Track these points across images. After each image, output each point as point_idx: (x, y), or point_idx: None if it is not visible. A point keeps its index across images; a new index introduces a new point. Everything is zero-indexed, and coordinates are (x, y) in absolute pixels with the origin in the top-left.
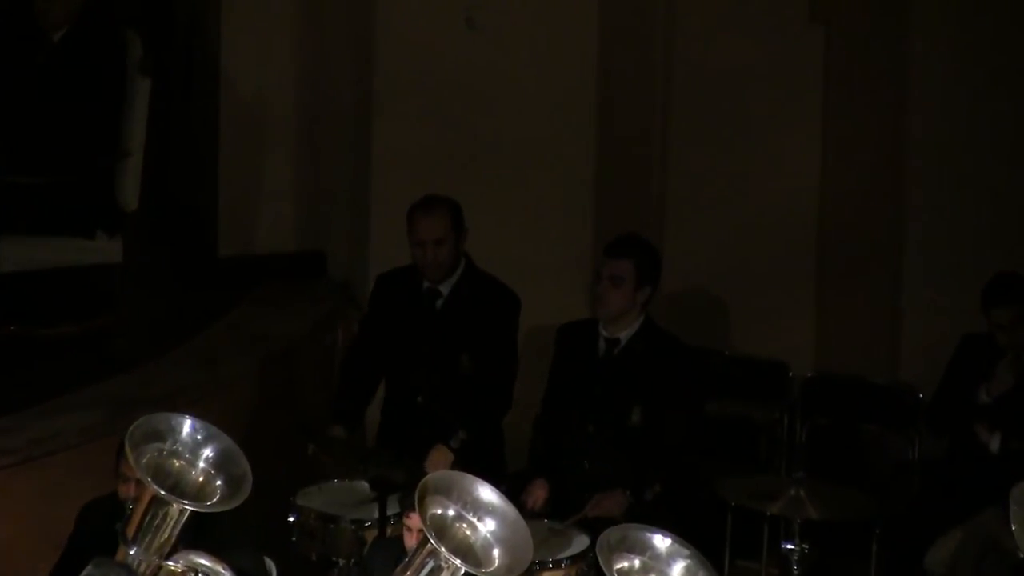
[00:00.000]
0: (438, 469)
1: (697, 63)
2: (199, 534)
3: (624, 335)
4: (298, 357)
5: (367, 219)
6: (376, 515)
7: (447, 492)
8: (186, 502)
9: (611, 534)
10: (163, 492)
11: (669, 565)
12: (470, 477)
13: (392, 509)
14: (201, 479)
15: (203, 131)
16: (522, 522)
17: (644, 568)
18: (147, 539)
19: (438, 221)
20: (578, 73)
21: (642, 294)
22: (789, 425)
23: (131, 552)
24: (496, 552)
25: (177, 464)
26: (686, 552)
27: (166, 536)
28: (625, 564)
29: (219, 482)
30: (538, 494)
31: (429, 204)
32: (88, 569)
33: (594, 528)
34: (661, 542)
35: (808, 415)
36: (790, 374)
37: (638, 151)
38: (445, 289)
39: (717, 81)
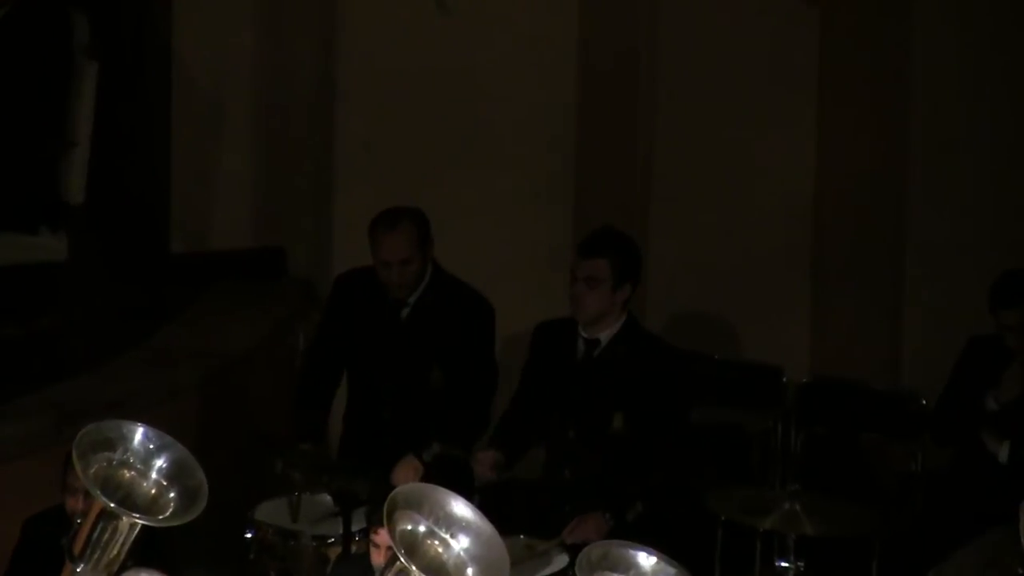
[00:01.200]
0: (406, 481)
1: (683, 50)
2: (151, 550)
3: (604, 336)
4: (257, 361)
5: (330, 214)
6: (340, 531)
7: (418, 506)
8: (137, 516)
9: (592, 551)
10: (112, 505)
11: None
12: (443, 490)
13: (357, 524)
14: (153, 491)
15: (154, 119)
16: (498, 539)
17: None
18: (95, 556)
19: (403, 239)
20: (558, 61)
21: (621, 293)
22: (783, 434)
23: (78, 569)
24: (470, 571)
25: (128, 475)
26: (672, 571)
27: (115, 552)
28: None
29: (173, 494)
30: (485, 457)
31: (392, 220)
32: None
33: (574, 545)
34: (646, 560)
35: (804, 423)
36: (784, 379)
37: (621, 144)
38: (411, 298)
39: (705, 69)
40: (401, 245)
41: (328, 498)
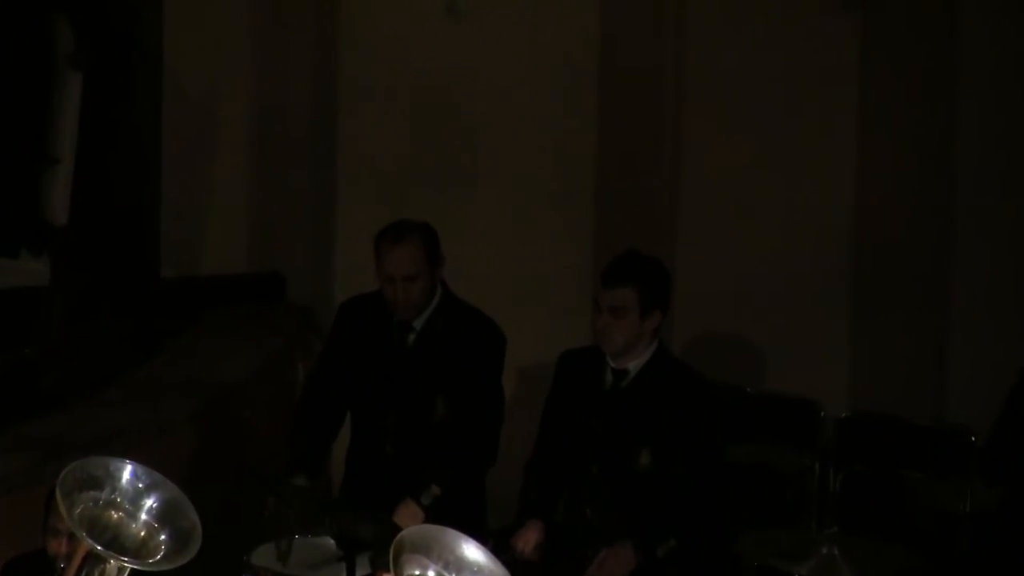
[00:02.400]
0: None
1: (713, 58)
2: None
3: (633, 365)
4: (252, 394)
5: (331, 236)
6: None
7: (426, 550)
8: (126, 559)
9: None
10: (99, 548)
11: None
12: (453, 532)
13: (362, 569)
14: (143, 533)
15: (143, 134)
16: None
17: None
18: None
19: (409, 254)
20: (578, 68)
21: (651, 321)
22: (821, 473)
23: None
24: None
25: (115, 516)
26: None
27: None
28: None
29: (164, 537)
30: (530, 535)
31: (398, 233)
32: None
33: None
34: None
35: (842, 461)
36: (822, 414)
37: (646, 157)
38: (418, 323)
39: (736, 79)
40: (407, 260)
41: (330, 541)
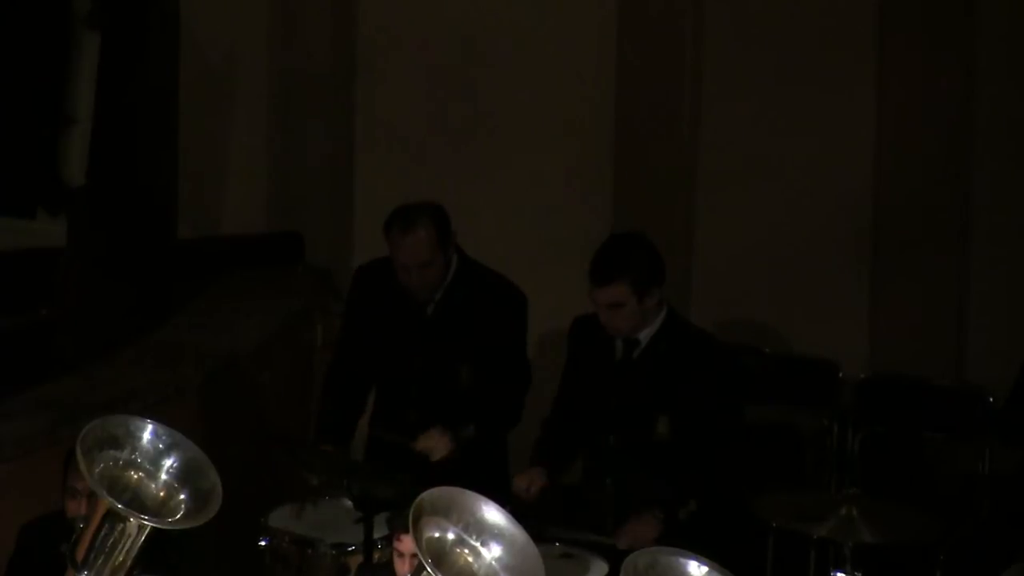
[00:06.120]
0: (434, 449)
1: (732, 19)
2: (157, 557)
3: (644, 335)
4: (270, 356)
5: (350, 196)
6: (361, 538)
7: (446, 512)
8: (146, 517)
9: (638, 559)
10: (119, 505)
11: None
12: (472, 495)
13: (380, 531)
14: (163, 493)
15: (161, 94)
16: (532, 548)
17: None
18: (99, 561)
19: (421, 241)
20: (596, 26)
21: (650, 299)
22: (840, 434)
23: None
24: None
25: (135, 476)
26: None
27: (122, 558)
28: None
29: (183, 496)
30: (535, 477)
31: (408, 222)
32: None
33: (614, 552)
34: (697, 570)
35: (861, 422)
36: (840, 375)
37: (664, 118)
38: (437, 295)
39: (755, 42)
40: (419, 248)
41: (348, 502)
